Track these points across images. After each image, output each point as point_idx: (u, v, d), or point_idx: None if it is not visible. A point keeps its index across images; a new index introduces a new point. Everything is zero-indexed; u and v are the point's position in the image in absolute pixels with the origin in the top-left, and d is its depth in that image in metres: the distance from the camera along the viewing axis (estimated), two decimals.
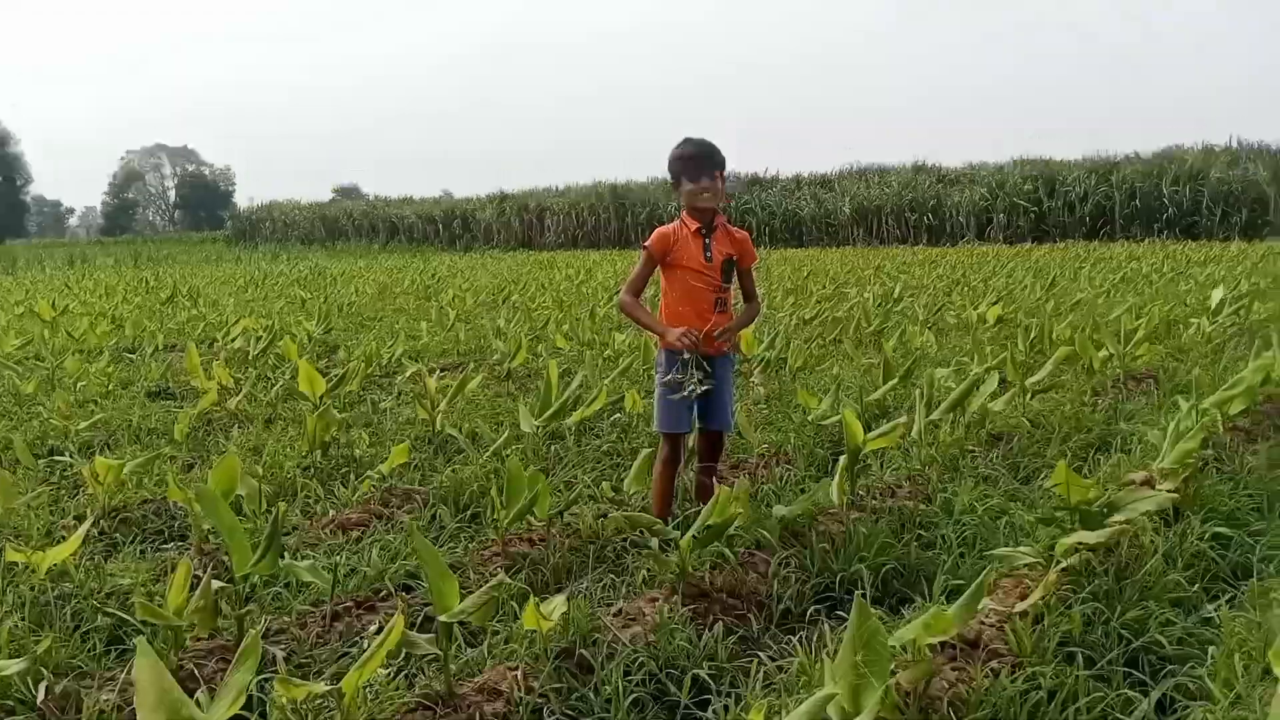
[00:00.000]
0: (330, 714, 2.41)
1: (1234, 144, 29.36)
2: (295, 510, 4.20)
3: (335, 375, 6.18)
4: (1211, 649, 2.73)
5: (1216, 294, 8.65)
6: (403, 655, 2.80)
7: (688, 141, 3.80)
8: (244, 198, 72.85)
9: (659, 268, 3.85)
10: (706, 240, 3.78)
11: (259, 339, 8.43)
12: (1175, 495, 3.63)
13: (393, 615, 3.10)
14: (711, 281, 3.78)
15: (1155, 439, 4.23)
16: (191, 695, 2.49)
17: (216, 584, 2.97)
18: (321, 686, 2.29)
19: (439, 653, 2.48)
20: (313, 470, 4.70)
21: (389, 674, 2.71)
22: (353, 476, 4.55)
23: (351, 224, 47.14)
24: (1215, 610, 3.07)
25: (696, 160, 3.74)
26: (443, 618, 2.43)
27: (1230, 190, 26.99)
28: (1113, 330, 7.34)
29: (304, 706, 2.42)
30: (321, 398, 5.53)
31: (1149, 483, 3.93)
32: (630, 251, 31.59)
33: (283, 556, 3.40)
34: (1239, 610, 3.01)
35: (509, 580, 3.11)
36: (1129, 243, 25.47)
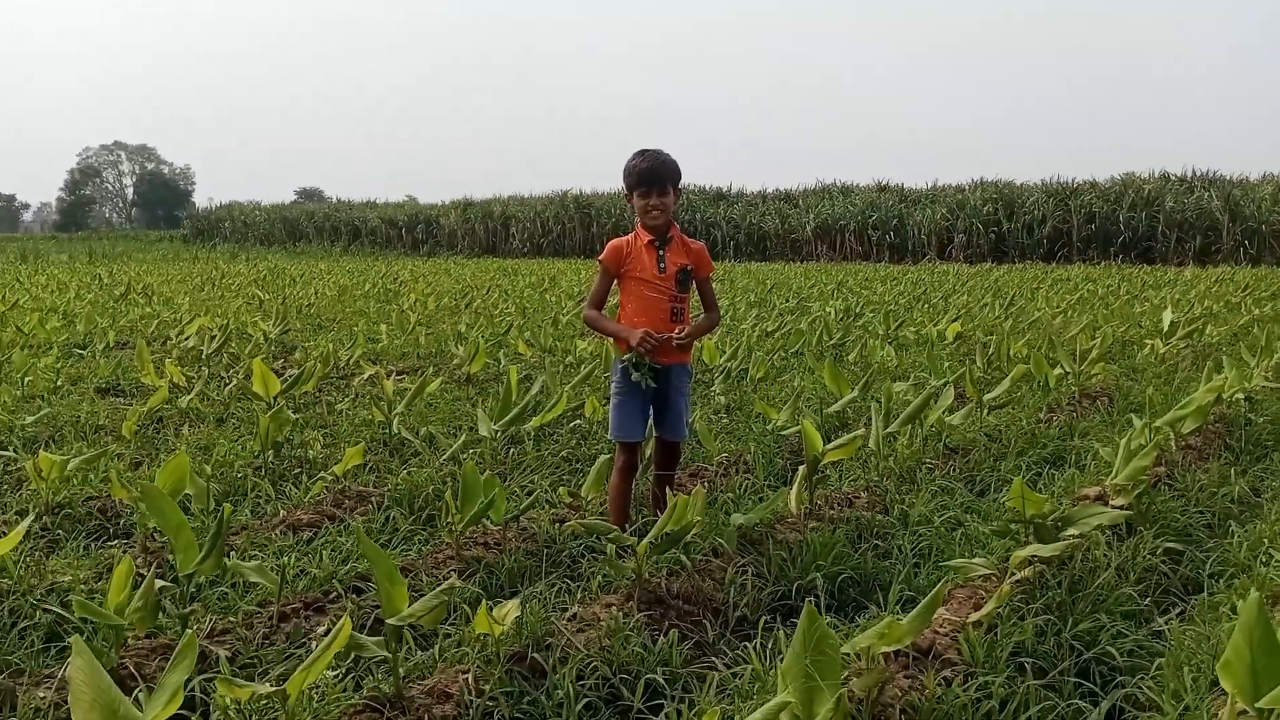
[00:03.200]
0: (274, 715, 2.35)
1: (1189, 172, 30.00)
2: (245, 510, 4.12)
3: (291, 376, 6.08)
4: (1160, 661, 2.75)
5: (1166, 316, 8.80)
6: (352, 658, 2.75)
7: (642, 155, 3.75)
8: (203, 197, 72.03)
9: (616, 280, 3.85)
10: (660, 252, 3.77)
11: (213, 338, 8.28)
12: (1128, 511, 3.67)
13: (342, 617, 3.05)
14: (666, 292, 3.77)
15: (1107, 455, 4.28)
16: (131, 694, 2.43)
17: (160, 583, 2.89)
18: (266, 688, 2.23)
19: (387, 655, 2.43)
20: (264, 470, 4.61)
21: (337, 676, 2.65)
22: (305, 477, 4.47)
23: (313, 226, 46.63)
24: (1165, 623, 3.11)
25: (646, 176, 3.70)
26: (391, 621, 2.39)
27: (1184, 217, 27.57)
28: (1069, 349, 7.44)
29: (248, 708, 2.36)
30: (275, 398, 5.43)
31: (1102, 498, 3.97)
32: (595, 261, 31.51)
33: (229, 556, 3.34)
34: (1189, 623, 3.04)
35: (461, 584, 3.07)
36: (1086, 265, 25.92)
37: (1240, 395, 6.00)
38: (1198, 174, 29.83)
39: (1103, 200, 28.98)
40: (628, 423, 3.81)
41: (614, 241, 3.85)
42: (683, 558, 3.39)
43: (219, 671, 2.66)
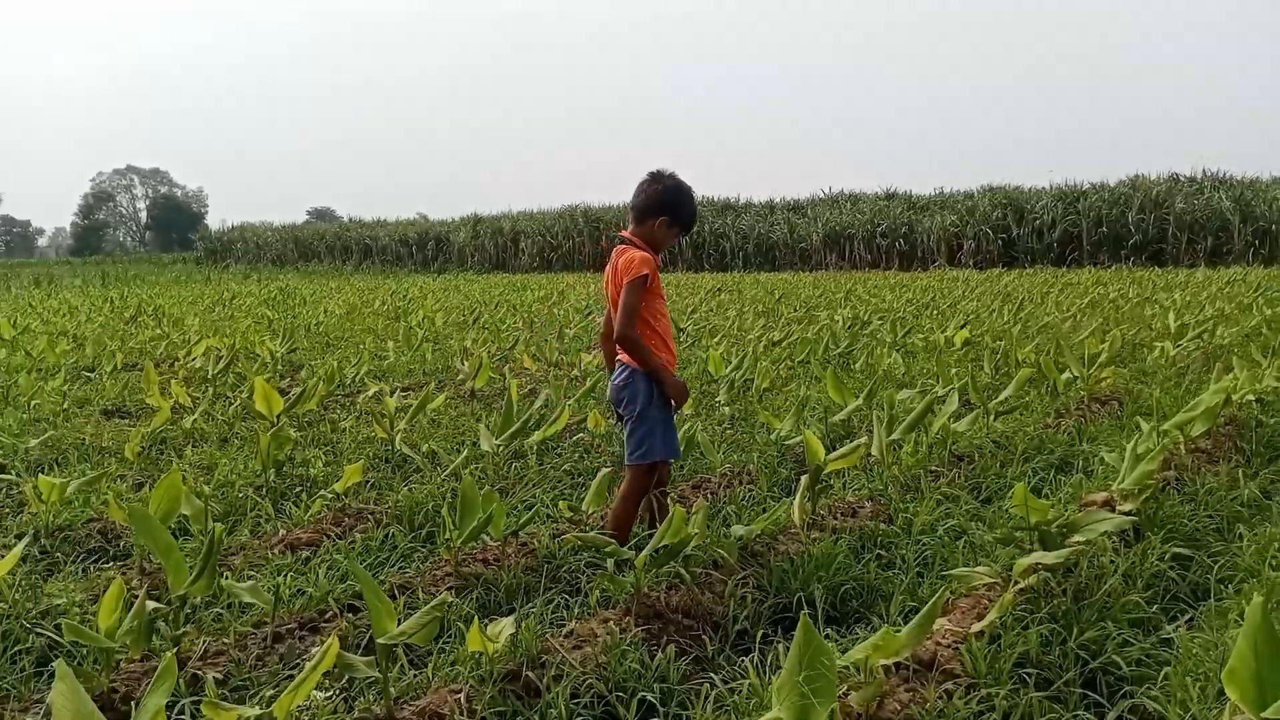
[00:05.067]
0: None
1: (1198, 173, 29.81)
2: (244, 530, 4.10)
3: (296, 394, 6.08)
4: (1167, 670, 2.70)
5: (1172, 318, 8.72)
6: (345, 679, 2.72)
7: (690, 195, 3.81)
8: (216, 220, 72.45)
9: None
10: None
11: (219, 358, 8.29)
12: (1134, 517, 3.62)
13: (338, 635, 3.02)
14: (667, 309, 3.88)
15: (1113, 460, 4.22)
16: (124, 718, 2.41)
17: (153, 605, 2.87)
18: (252, 710, 2.21)
19: (377, 675, 2.40)
20: (265, 489, 4.59)
21: (329, 697, 2.62)
22: (305, 496, 4.46)
23: (324, 246, 46.84)
24: (1174, 631, 3.05)
25: (691, 224, 3.86)
26: (381, 640, 2.36)
27: (1195, 218, 27.37)
28: (1078, 353, 7.37)
29: None
30: (278, 416, 5.42)
31: (1109, 504, 3.91)
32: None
33: (225, 576, 3.32)
34: (1197, 631, 2.98)
35: (454, 600, 3.04)
36: (1096, 269, 25.75)
37: (1251, 397, 5.92)
38: (1208, 175, 29.64)
39: (1111, 203, 28.80)
40: (677, 440, 3.85)
41: (646, 256, 3.69)
42: (682, 571, 3.35)
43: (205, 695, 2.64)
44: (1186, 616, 3.21)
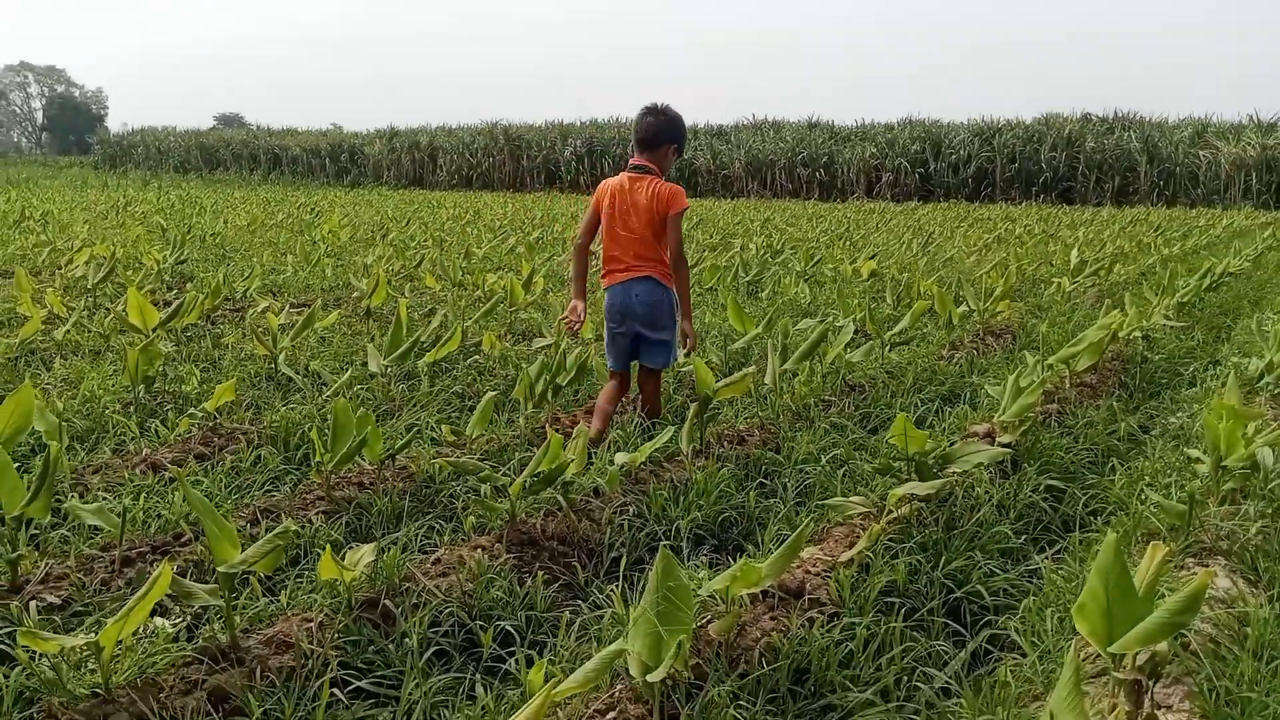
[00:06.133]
0: (93, 669, 2.19)
1: (1109, 114, 30.36)
2: (106, 448, 3.89)
3: (175, 306, 5.78)
4: (1028, 600, 2.73)
5: (1074, 255, 8.89)
6: (197, 607, 2.60)
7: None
8: (117, 123, 68.86)
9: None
10: None
11: (100, 266, 7.87)
12: (1011, 449, 3.66)
13: (192, 560, 2.89)
14: None
15: (995, 393, 4.26)
16: None
17: None
18: (77, 639, 2.07)
19: (219, 604, 2.28)
20: (134, 406, 4.37)
21: (177, 625, 2.50)
22: (175, 414, 4.25)
23: (231, 154, 44.92)
24: (1040, 562, 3.10)
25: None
26: (221, 569, 2.23)
27: (1104, 157, 27.99)
28: (977, 287, 7.46)
29: (63, 660, 2.19)
30: (154, 330, 5.16)
31: (990, 435, 3.96)
32: (524, 195, 31.10)
33: (71, 497, 3.14)
34: (1061, 563, 3.03)
35: (299, 527, 2.93)
36: (1008, 204, 26.22)
37: (1138, 333, 6.07)
38: (1118, 115, 30.21)
39: (1025, 140, 29.23)
40: None
41: (682, 190, 4.20)
42: (559, 497, 3.28)
43: (49, 621, 2.49)
44: (1055, 548, 3.27)
